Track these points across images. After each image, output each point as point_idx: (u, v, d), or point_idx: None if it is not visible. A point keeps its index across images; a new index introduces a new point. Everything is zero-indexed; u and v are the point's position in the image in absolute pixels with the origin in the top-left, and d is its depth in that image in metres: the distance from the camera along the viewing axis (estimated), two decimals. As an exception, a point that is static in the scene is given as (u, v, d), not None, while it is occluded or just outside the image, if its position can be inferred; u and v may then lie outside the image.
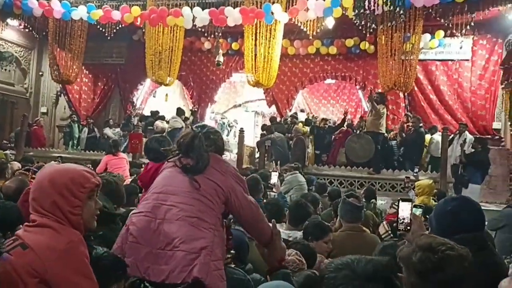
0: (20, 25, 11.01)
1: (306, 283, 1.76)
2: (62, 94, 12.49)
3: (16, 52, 11.85)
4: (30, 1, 9.96)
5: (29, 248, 1.29)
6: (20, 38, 11.86)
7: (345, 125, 9.99)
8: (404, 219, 2.02)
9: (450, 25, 8.50)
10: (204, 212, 1.78)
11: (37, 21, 10.48)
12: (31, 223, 1.37)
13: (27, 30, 11.16)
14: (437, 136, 8.63)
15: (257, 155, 9.75)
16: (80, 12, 9.94)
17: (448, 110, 9.89)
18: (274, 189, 4.77)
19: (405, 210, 2.03)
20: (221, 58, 10.50)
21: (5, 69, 11.52)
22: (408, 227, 2.00)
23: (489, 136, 9.42)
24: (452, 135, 8.25)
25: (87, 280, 1.34)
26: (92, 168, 6.42)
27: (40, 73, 12.45)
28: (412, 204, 2.06)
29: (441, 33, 9.61)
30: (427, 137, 8.89)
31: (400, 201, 2.08)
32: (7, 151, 8.85)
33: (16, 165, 5.37)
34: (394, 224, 2.13)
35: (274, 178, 4.85)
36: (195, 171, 1.85)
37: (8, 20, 10.76)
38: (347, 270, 0.99)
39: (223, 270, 1.77)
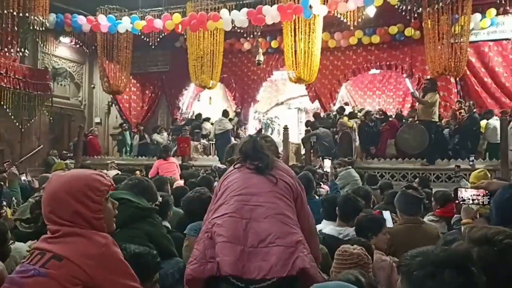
0: (71, 41, 11.70)
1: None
2: (113, 104, 13.14)
3: (69, 68, 12.60)
4: (79, 18, 10.57)
5: (64, 259, 1.27)
6: (72, 54, 12.59)
7: (394, 117, 9.65)
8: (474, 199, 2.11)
9: (503, 2, 7.96)
10: (287, 210, 1.84)
11: (86, 36, 11.12)
12: (54, 235, 1.34)
13: (78, 46, 11.85)
14: (494, 121, 8.09)
15: (302, 151, 9.67)
16: (124, 24, 10.39)
17: (506, 92, 9.26)
18: (328, 177, 4.72)
19: (467, 197, 2.10)
20: (261, 57, 10.53)
21: (61, 84, 12.27)
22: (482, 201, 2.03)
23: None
24: (509, 119, 7.68)
25: (130, 278, 1.37)
26: (144, 173, 6.71)
27: (92, 86, 13.16)
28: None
29: (492, 11, 9.02)
30: (483, 122, 8.36)
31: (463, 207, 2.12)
32: (67, 161, 9.44)
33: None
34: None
35: (328, 166, 4.79)
36: (267, 169, 1.94)
37: (61, 38, 11.47)
38: (421, 257, 1.00)
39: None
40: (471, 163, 6.99)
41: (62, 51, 12.15)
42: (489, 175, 4.02)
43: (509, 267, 1.21)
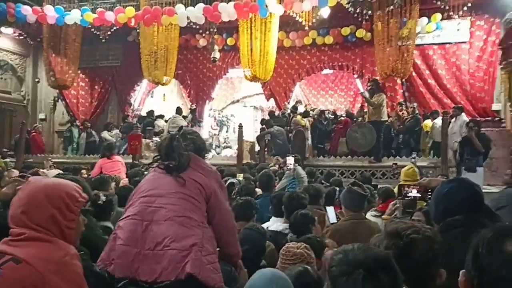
0: (14, 32, 11.03)
1: (298, 278, 1.74)
2: (59, 100, 12.51)
3: (11, 60, 11.86)
4: (23, 8, 9.94)
5: (22, 262, 1.24)
6: (15, 46, 11.86)
7: (344, 116, 9.95)
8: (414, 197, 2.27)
9: (447, 7, 8.41)
10: (191, 211, 1.83)
11: (31, 27, 10.50)
12: (17, 237, 1.30)
13: (21, 37, 11.17)
14: (439, 121, 8.54)
15: (257, 149, 9.72)
16: (73, 16, 9.90)
17: (447, 94, 9.80)
18: (291, 172, 4.78)
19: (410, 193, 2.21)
20: (217, 54, 10.45)
21: (1, 78, 11.52)
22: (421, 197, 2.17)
23: (489, 118, 9.35)
24: (449, 119, 8.17)
25: None
26: (91, 172, 6.42)
27: (37, 80, 12.45)
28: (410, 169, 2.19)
29: (438, 16, 9.49)
30: (428, 122, 8.82)
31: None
32: (7, 159, 8.87)
33: (15, 173, 5.34)
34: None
35: (290, 161, 4.84)
36: (178, 169, 1.91)
37: (2, 28, 10.76)
38: (342, 254, 1.00)
39: (217, 263, 1.82)
40: (413, 160, 7.35)
41: (3, 42, 11.42)
42: (417, 171, 4.23)
43: (412, 258, 1.32)
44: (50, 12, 9.90)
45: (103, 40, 10.02)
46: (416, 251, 1.34)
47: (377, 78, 9.11)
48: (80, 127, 11.47)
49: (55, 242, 1.31)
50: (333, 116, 10.25)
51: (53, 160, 9.03)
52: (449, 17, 9.15)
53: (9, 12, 9.94)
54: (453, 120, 8.17)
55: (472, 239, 1.19)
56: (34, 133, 10.96)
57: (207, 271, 1.73)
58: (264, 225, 3.16)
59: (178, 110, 10.59)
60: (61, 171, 5.24)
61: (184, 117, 10.65)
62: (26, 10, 9.94)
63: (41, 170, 5.59)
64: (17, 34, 11.07)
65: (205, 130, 12.85)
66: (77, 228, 1.40)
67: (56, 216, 1.32)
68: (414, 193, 2.33)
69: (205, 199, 1.90)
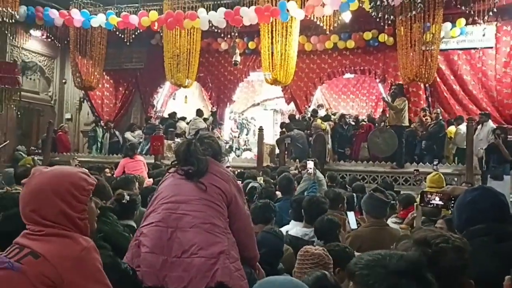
0: (42, 35, 11.36)
1: (316, 283, 1.74)
2: (85, 100, 12.83)
3: (40, 62, 12.23)
4: (51, 11, 10.27)
5: (41, 257, 1.24)
6: (43, 48, 12.22)
7: (366, 120, 9.85)
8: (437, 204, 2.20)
9: (472, 12, 8.24)
10: (215, 218, 1.82)
11: (58, 30, 10.83)
12: (36, 232, 1.30)
13: (49, 40, 11.51)
14: (463, 127, 8.36)
15: (277, 152, 9.73)
16: (99, 20, 10.18)
17: (473, 100, 9.57)
18: (311, 177, 4.78)
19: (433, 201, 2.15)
20: (238, 58, 10.52)
21: (30, 78, 11.90)
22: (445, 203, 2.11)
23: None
24: (475, 126, 7.99)
25: (103, 286, 1.33)
26: (114, 171, 6.57)
27: (63, 81, 12.80)
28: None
29: (462, 21, 9.31)
30: (452, 128, 8.65)
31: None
32: (35, 157, 9.14)
33: (42, 170, 5.51)
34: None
35: (310, 165, 4.85)
36: (198, 175, 1.90)
37: (31, 31, 11.13)
38: (380, 267, 0.99)
39: (243, 269, 1.82)
40: (434, 167, 7.22)
41: (32, 44, 11.78)
42: (443, 178, 4.15)
43: (440, 267, 1.29)
44: (76, 16, 10.20)
45: (128, 43, 10.24)
46: (444, 260, 1.32)
47: (401, 82, 9.00)
48: (104, 127, 11.74)
49: (72, 237, 1.30)
50: (354, 121, 10.15)
51: (78, 159, 9.27)
52: (474, 22, 8.97)
53: (37, 16, 10.29)
54: (479, 126, 7.99)
55: (495, 249, 1.18)
56: (60, 133, 11.26)
57: (236, 278, 1.73)
58: (284, 229, 3.17)
59: (199, 112, 10.72)
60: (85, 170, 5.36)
61: (205, 120, 10.77)
62: (54, 13, 10.27)
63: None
64: (45, 36, 11.41)
65: (226, 133, 12.95)
66: (90, 216, 1.38)
67: (65, 210, 1.30)
68: (436, 200, 2.28)
69: (226, 205, 1.90)
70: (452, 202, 2.13)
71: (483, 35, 9.48)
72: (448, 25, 9.31)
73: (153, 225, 1.80)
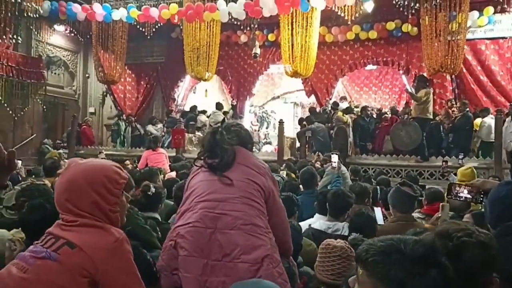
0: (66, 30, 11.57)
1: None
2: (108, 94, 13.04)
3: (63, 56, 12.46)
4: (74, 6, 10.43)
5: (77, 247, 1.26)
6: (67, 43, 12.44)
7: (388, 112, 9.66)
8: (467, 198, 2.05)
9: (500, 0, 7.92)
10: (256, 217, 1.72)
11: (81, 25, 11.01)
12: (70, 223, 1.32)
13: (72, 34, 11.72)
14: (488, 120, 8.11)
15: (297, 145, 9.66)
16: (120, 13, 10.28)
17: (501, 91, 9.27)
18: (335, 171, 4.72)
19: (462, 193, 2.03)
20: (257, 50, 10.46)
21: (55, 73, 12.15)
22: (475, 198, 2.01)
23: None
24: (504, 117, 7.70)
25: (134, 278, 1.35)
26: (136, 164, 6.66)
27: (87, 75, 13.03)
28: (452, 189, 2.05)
29: (490, 9, 9.00)
30: (478, 120, 8.38)
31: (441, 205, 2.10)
32: (60, 150, 9.36)
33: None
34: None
35: (335, 159, 4.79)
36: (222, 168, 1.79)
37: (55, 26, 11.34)
38: (397, 253, 0.96)
39: (285, 273, 1.74)
40: (460, 161, 7.01)
41: (56, 39, 12.01)
42: (475, 172, 4.01)
43: (461, 261, 1.25)
44: (98, 10, 10.33)
45: (148, 37, 10.32)
46: (466, 255, 1.27)
47: (424, 73, 8.77)
48: (126, 121, 11.91)
49: (106, 228, 1.32)
50: (377, 113, 9.95)
51: (103, 152, 9.46)
52: (502, 11, 8.68)
53: (60, 11, 10.47)
54: (508, 118, 7.71)
55: None
56: (84, 126, 11.49)
57: (280, 285, 1.63)
58: (307, 222, 3.14)
59: (218, 106, 10.74)
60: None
61: (225, 113, 10.78)
62: (76, 8, 10.42)
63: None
64: (68, 31, 11.62)
65: (246, 126, 12.86)
66: (121, 209, 1.40)
67: (98, 201, 1.33)
68: (465, 193, 2.16)
69: (264, 200, 1.79)
70: (482, 195, 2.05)
71: (513, 23, 9.12)
72: (475, 13, 9.01)
73: (191, 226, 1.70)
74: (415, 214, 3.55)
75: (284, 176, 4.79)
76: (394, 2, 8.19)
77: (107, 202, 1.34)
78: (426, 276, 0.93)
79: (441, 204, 3.02)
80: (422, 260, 0.95)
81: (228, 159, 1.80)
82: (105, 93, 13.10)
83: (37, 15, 9.83)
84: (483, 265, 1.30)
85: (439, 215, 2.77)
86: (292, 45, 9.05)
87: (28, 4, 9.17)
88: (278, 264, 1.69)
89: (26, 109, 10.94)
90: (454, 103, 8.95)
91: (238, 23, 9.80)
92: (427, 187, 4.81)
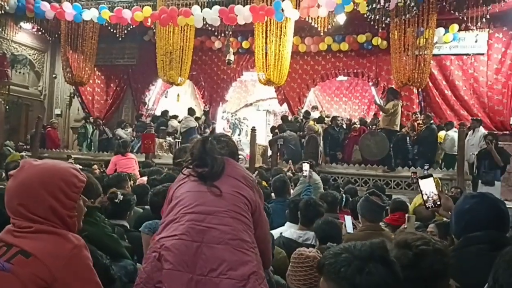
0: (33, 28, 11.18)
1: None
2: (75, 96, 12.65)
3: (29, 55, 12.02)
4: (42, 4, 10.09)
5: (32, 256, 1.18)
6: (34, 41, 12.02)
7: (357, 123, 9.89)
8: (430, 196, 1.97)
9: (465, 18, 8.32)
10: (243, 232, 1.70)
11: (49, 23, 10.64)
12: (24, 229, 1.23)
13: (40, 33, 11.31)
14: (452, 133, 8.45)
15: (269, 153, 9.70)
16: (91, 14, 10.03)
17: (464, 105, 9.68)
18: (306, 180, 4.74)
19: (427, 186, 1.98)
20: (231, 57, 10.47)
21: (20, 72, 11.69)
22: (438, 202, 1.95)
23: (507, 132, 9.21)
24: (466, 131, 8.06)
25: (95, 286, 1.30)
26: (104, 168, 6.47)
27: (54, 76, 12.61)
28: (433, 178, 2.01)
29: (455, 26, 9.41)
30: (442, 133, 8.72)
31: (419, 179, 2.03)
32: (23, 153, 8.99)
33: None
34: (424, 205, 2.06)
35: (306, 168, 4.80)
36: (212, 177, 1.76)
37: (22, 24, 10.94)
38: (346, 253, 1.03)
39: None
40: (425, 172, 7.25)
41: (22, 37, 11.59)
42: (440, 183, 4.16)
43: (420, 270, 1.31)
44: (68, 9, 10.04)
45: (120, 39, 10.11)
46: (425, 263, 1.32)
47: (393, 86, 9.05)
48: (93, 124, 11.57)
49: (62, 234, 1.25)
50: (347, 124, 10.16)
51: (68, 155, 9.13)
52: (467, 28, 9.08)
53: (28, 8, 10.10)
54: (470, 132, 8.06)
55: (491, 257, 1.17)
56: (49, 128, 11.08)
57: None
58: (278, 230, 3.14)
59: (190, 111, 10.64)
60: (80, 167, 5.27)
61: (197, 119, 10.70)
62: (45, 6, 10.08)
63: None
64: (35, 29, 11.22)
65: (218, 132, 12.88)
66: (79, 214, 1.33)
67: (55, 206, 1.24)
68: (430, 194, 2.17)
69: (251, 213, 1.78)
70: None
71: (476, 41, 9.59)
72: (441, 30, 9.40)
73: (177, 238, 1.64)
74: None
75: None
76: (365, 16, 8.42)
77: (64, 207, 1.26)
78: (374, 272, 0.98)
79: (406, 215, 3.11)
80: (369, 257, 1.00)
81: (218, 168, 1.77)
82: (72, 95, 12.72)
83: (2, 12, 9.44)
84: (441, 272, 1.35)
85: (405, 226, 2.85)
86: (266, 53, 9.13)
87: (-7, -1, 8.79)
88: (263, 280, 1.67)
89: (-14, 108, 10.46)
90: (419, 115, 9.28)
91: (213, 29, 9.78)
92: (393, 197, 4.94)
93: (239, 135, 14.80)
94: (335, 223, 2.72)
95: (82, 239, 1.29)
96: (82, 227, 1.87)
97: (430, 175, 2.08)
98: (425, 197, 1.99)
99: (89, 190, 2.19)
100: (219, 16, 9.23)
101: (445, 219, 2.43)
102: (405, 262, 1.29)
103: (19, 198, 1.24)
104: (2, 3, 9.21)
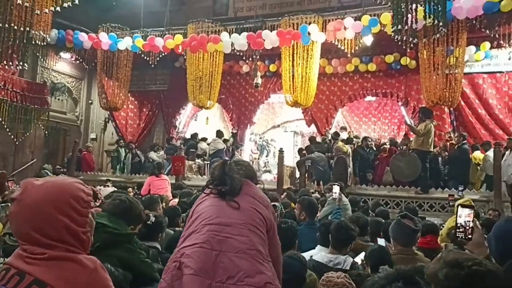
0: (71, 57, 11.83)
1: None
2: (110, 121, 13.16)
3: (68, 83, 12.67)
4: (80, 35, 10.71)
5: (49, 286, 1.10)
6: (72, 70, 12.68)
7: (388, 144, 9.73)
8: (463, 226, 1.90)
9: (497, 36, 8.15)
10: (259, 244, 1.78)
11: (86, 53, 11.24)
12: (37, 255, 1.14)
13: (77, 62, 11.96)
14: (491, 153, 8.13)
15: (297, 175, 9.66)
16: (125, 43, 10.54)
17: (499, 124, 9.36)
18: (336, 202, 4.71)
19: (465, 215, 1.91)
20: (259, 80, 10.65)
21: (58, 99, 12.31)
22: (469, 235, 1.87)
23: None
24: (503, 151, 7.76)
25: None
26: (137, 190, 6.64)
27: (90, 102, 13.20)
28: (471, 210, 1.92)
29: (487, 44, 9.22)
30: (477, 154, 8.42)
31: (460, 206, 1.96)
32: (60, 176, 9.36)
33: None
34: (453, 231, 1.98)
35: (336, 190, 4.77)
36: (231, 193, 1.88)
37: (61, 53, 11.59)
38: (377, 277, 1.12)
39: None
40: (459, 193, 7.01)
41: (61, 66, 12.24)
42: (473, 204, 4.00)
43: None
44: (104, 39, 10.60)
45: (152, 66, 10.52)
46: (477, 283, 1.29)
47: (424, 105, 8.89)
48: (126, 148, 11.93)
49: (76, 259, 1.17)
50: (376, 144, 10.02)
51: (102, 178, 9.43)
52: (499, 46, 8.88)
53: (67, 39, 10.74)
54: (507, 152, 7.75)
55: None
56: (85, 152, 11.53)
57: None
58: (309, 253, 3.11)
59: (219, 133, 10.82)
60: (115, 189, 5.45)
61: (225, 141, 10.85)
62: (83, 36, 10.71)
63: (97, 187, 5.84)
64: (74, 58, 11.87)
65: (246, 154, 12.99)
66: (91, 229, 1.26)
67: (69, 225, 1.17)
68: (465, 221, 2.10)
69: (266, 231, 1.87)
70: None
71: (509, 58, 9.37)
72: (472, 48, 9.23)
73: (198, 246, 1.72)
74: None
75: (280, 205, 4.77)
76: (392, 36, 8.41)
77: (77, 224, 1.18)
78: None
79: (443, 244, 3.01)
80: (394, 278, 1.08)
81: (236, 186, 1.89)
82: (107, 120, 13.23)
83: (44, 43, 10.05)
84: None
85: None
86: (293, 75, 9.24)
87: (36, 32, 9.37)
88: None
89: (27, 134, 11.02)
90: (452, 135, 9.03)
91: (241, 54, 10.02)
92: (426, 219, 4.80)
93: (267, 156, 14.84)
94: (384, 249, 2.69)
95: (97, 260, 1.22)
96: (128, 255, 1.93)
97: (472, 206, 2.02)
98: (458, 225, 1.91)
99: (131, 215, 2.25)
100: (247, 42, 9.47)
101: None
102: (456, 281, 1.28)
103: (31, 222, 1.15)
104: (44, 35, 9.80)
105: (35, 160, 11.16)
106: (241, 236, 1.75)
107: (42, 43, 10.08)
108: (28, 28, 9.63)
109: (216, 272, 1.67)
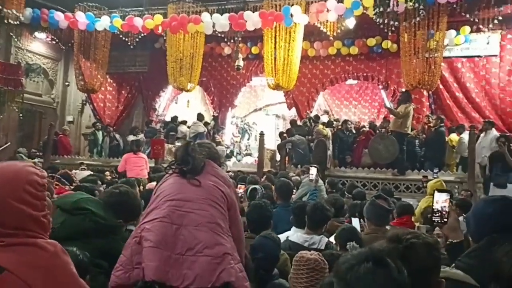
0: (47, 37, 11.44)
1: None
2: (87, 103, 12.85)
3: (43, 64, 12.26)
4: (56, 14, 10.33)
5: (5, 271, 1.06)
6: (47, 50, 12.27)
7: (367, 127, 9.83)
8: (439, 211, 1.93)
9: (476, 20, 8.24)
10: (220, 219, 1.84)
11: (63, 33, 10.89)
12: None
13: (53, 42, 11.57)
14: (466, 136, 8.33)
15: (278, 158, 9.70)
16: (103, 23, 10.22)
17: (476, 108, 9.54)
18: (313, 184, 4.74)
19: (441, 200, 1.94)
20: (241, 63, 10.54)
21: (34, 81, 11.93)
22: (445, 219, 1.91)
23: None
24: (477, 133, 7.94)
25: None
26: (115, 174, 6.55)
27: (66, 83, 12.84)
28: (448, 196, 1.97)
29: (466, 29, 9.32)
30: (454, 136, 8.61)
31: (436, 191, 2.00)
32: (35, 160, 9.15)
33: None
34: (429, 215, 2.02)
35: (313, 172, 4.79)
36: (192, 172, 1.93)
37: (36, 33, 11.19)
38: (349, 256, 1.08)
39: (245, 271, 1.84)
40: (435, 175, 7.16)
41: (37, 46, 11.84)
42: (444, 185, 4.12)
43: (411, 262, 1.28)
44: (81, 18, 10.26)
45: (131, 47, 10.27)
46: (415, 257, 1.33)
47: (404, 89, 8.98)
48: (103, 131, 11.70)
49: (36, 243, 1.13)
50: (356, 127, 10.12)
51: (79, 162, 9.26)
52: (478, 30, 8.99)
53: (42, 18, 10.36)
54: (482, 134, 7.94)
55: None
56: (61, 135, 11.26)
57: (241, 279, 1.75)
58: (285, 234, 3.13)
59: (199, 117, 10.73)
60: (91, 172, 5.35)
61: (206, 124, 10.77)
62: (59, 16, 10.33)
63: (72, 171, 5.72)
64: (49, 39, 11.48)
65: (227, 137, 12.95)
66: (50, 211, 1.21)
67: (27, 211, 1.12)
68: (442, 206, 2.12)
69: (227, 208, 1.92)
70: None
71: (487, 43, 9.47)
72: (452, 32, 9.31)
73: (158, 221, 1.78)
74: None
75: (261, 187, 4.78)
76: (374, 19, 8.40)
77: (36, 209, 1.14)
78: (364, 270, 1.01)
79: (416, 225, 3.08)
80: (364, 258, 1.03)
81: (198, 166, 1.95)
82: (84, 102, 12.92)
83: (18, 22, 9.68)
84: (430, 266, 1.37)
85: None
86: (275, 58, 9.17)
87: (9, 11, 9.03)
88: (238, 262, 1.80)
89: (1, 116, 10.68)
90: (431, 118, 9.18)
91: (222, 35, 9.87)
92: (402, 200, 4.90)
93: (248, 139, 14.83)
94: (354, 229, 2.74)
95: (57, 243, 1.18)
96: (109, 245, 1.90)
97: (449, 191, 2.07)
98: (435, 210, 1.94)
99: (132, 211, 2.19)
100: (228, 22, 9.31)
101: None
102: (395, 256, 1.29)
103: None
104: (18, 14, 9.44)
105: (9, 143, 10.80)
106: (202, 211, 1.81)
107: (15, 22, 9.74)
108: (0, 7, 9.27)
109: (176, 244, 1.72)
